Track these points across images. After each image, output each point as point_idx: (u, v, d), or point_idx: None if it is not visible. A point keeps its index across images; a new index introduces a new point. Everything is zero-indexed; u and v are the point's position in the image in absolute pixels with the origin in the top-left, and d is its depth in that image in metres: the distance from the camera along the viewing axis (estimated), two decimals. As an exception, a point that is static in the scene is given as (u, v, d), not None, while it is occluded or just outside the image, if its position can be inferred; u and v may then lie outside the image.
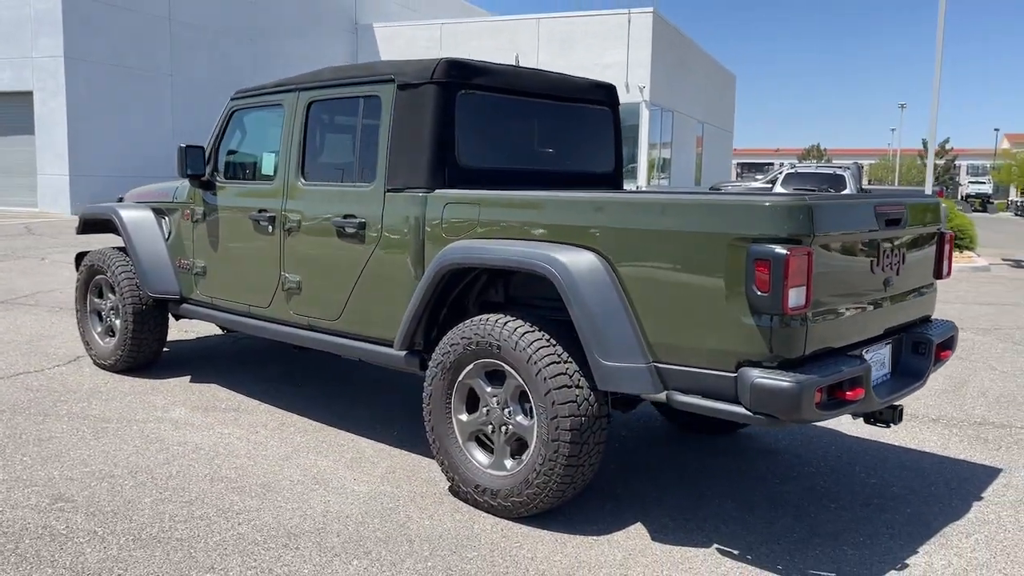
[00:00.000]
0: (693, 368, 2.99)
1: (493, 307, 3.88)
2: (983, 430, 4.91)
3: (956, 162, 79.08)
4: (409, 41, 27.94)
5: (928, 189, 16.93)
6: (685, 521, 3.49)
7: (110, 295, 5.67)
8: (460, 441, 3.61)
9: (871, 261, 3.23)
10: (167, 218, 5.44)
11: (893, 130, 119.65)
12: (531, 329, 3.34)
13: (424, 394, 3.70)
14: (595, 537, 3.31)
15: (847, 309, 3.12)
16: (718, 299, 2.90)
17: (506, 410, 3.46)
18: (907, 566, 3.13)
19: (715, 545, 3.28)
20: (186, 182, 5.25)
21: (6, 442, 4.23)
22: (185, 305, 5.31)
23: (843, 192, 16.83)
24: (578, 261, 3.20)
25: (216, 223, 4.95)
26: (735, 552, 3.22)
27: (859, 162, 25.51)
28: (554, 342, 3.30)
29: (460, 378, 3.57)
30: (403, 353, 3.89)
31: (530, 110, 4.37)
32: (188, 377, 5.60)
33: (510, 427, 3.45)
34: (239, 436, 4.43)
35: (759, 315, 2.81)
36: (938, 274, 3.83)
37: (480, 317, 3.50)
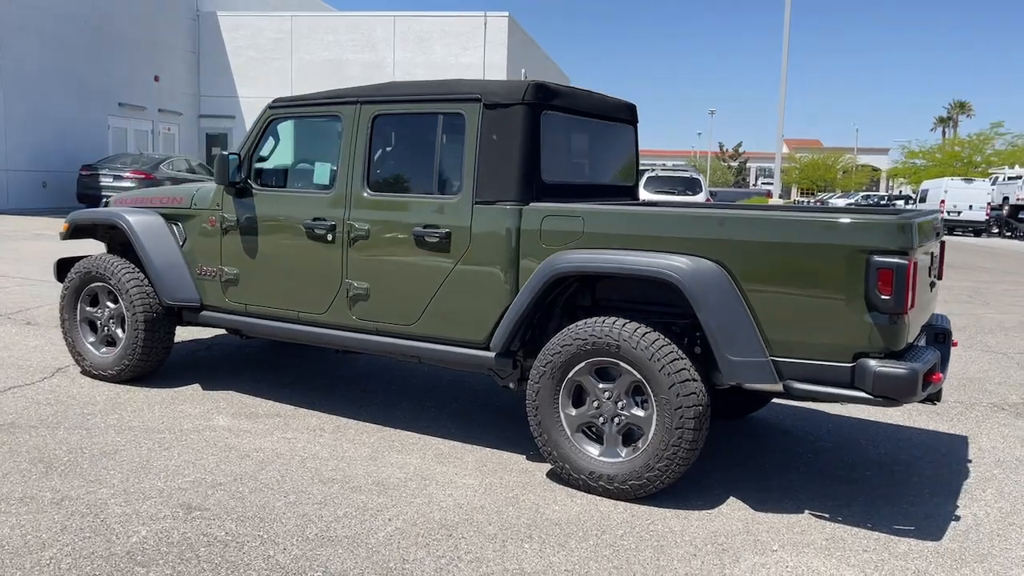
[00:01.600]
0: (808, 360, 3.52)
1: (579, 311, 4.23)
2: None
3: (747, 164, 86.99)
4: (256, 32, 27.14)
5: (776, 191, 18.65)
6: (767, 493, 4.02)
7: (109, 303, 5.49)
8: (568, 433, 3.96)
9: (929, 267, 3.91)
10: (180, 224, 5.35)
11: (699, 134, 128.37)
12: (649, 330, 3.75)
13: (529, 391, 4.01)
14: (707, 511, 3.78)
15: (919, 308, 3.77)
16: (837, 301, 3.45)
17: (619, 403, 3.85)
18: (959, 518, 3.82)
19: (807, 511, 3.83)
20: (206, 187, 5.23)
21: (72, 456, 4.12)
22: (206, 313, 5.27)
23: (699, 193, 18.24)
24: (700, 269, 3.64)
25: (254, 230, 4.96)
26: (826, 515, 3.78)
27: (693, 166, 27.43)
28: (670, 340, 3.74)
29: (570, 375, 3.93)
30: (493, 354, 4.18)
31: (584, 128, 4.78)
32: (198, 385, 5.53)
33: (623, 418, 3.85)
34: (308, 440, 4.53)
35: (876, 314, 3.39)
36: (939, 275, 4.59)
37: (594, 319, 3.87)
